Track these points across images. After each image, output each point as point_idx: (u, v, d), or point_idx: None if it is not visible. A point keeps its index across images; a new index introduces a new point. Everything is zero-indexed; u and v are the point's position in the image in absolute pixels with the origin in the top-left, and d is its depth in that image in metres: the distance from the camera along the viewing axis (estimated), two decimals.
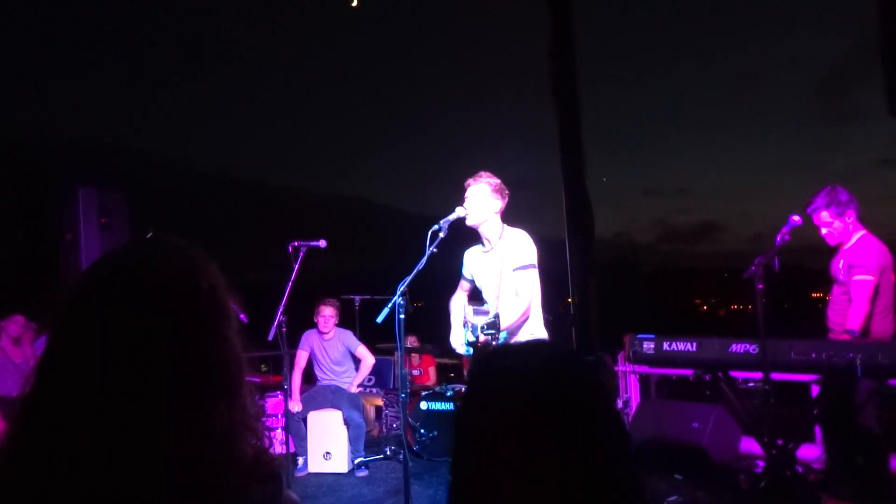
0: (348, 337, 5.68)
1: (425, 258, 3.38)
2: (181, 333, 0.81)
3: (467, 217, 3.62)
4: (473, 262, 3.87)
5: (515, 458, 0.80)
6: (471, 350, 3.56)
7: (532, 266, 3.57)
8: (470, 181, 3.68)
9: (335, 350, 5.62)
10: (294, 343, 5.52)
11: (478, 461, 0.82)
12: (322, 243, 4.21)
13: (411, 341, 6.89)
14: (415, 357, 7.10)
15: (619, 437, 0.83)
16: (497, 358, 0.91)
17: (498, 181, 3.67)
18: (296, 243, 4.16)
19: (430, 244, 3.39)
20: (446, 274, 4.07)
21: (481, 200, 3.64)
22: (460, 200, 3.69)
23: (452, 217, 3.55)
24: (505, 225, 3.72)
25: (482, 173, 3.68)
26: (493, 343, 3.19)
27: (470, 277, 3.93)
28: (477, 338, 3.34)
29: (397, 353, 4.90)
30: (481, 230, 3.71)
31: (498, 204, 3.66)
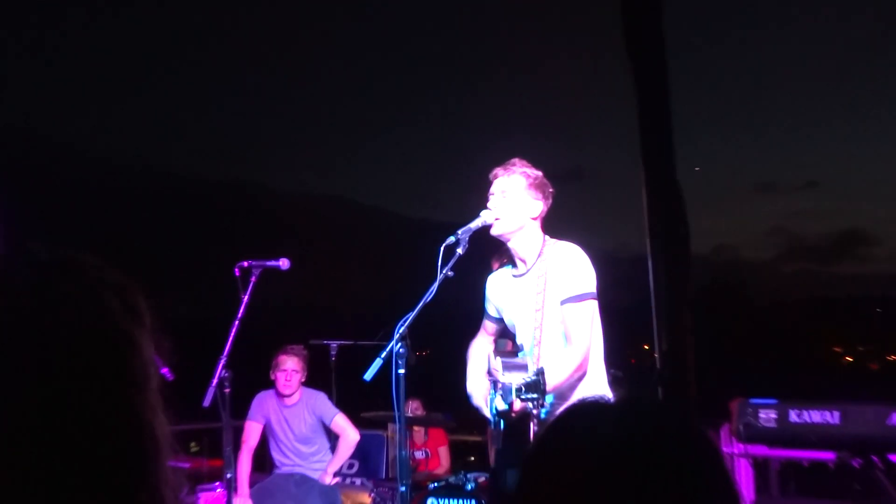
0: (320, 402, 5.66)
1: (435, 286, 3.39)
2: (72, 399, 0.81)
3: (493, 224, 3.62)
4: (501, 291, 3.87)
5: None
6: (503, 423, 3.51)
7: (590, 296, 3.56)
8: (498, 171, 3.69)
9: (301, 421, 5.60)
10: (241, 411, 5.48)
11: None
12: (283, 263, 4.17)
13: (414, 408, 6.83)
14: (418, 432, 7.05)
15: None
16: (576, 421, 0.94)
17: (538, 173, 3.68)
18: (245, 263, 4.13)
19: (443, 265, 3.41)
20: (466, 309, 4.11)
21: (514, 199, 3.64)
22: (484, 201, 3.67)
23: (476, 224, 3.57)
24: (547, 237, 3.71)
25: (515, 161, 3.69)
26: (536, 412, 3.10)
27: (497, 315, 3.93)
28: (510, 405, 3.29)
29: (394, 426, 4.82)
30: (513, 244, 3.72)
31: (537, 206, 3.67)
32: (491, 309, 3.95)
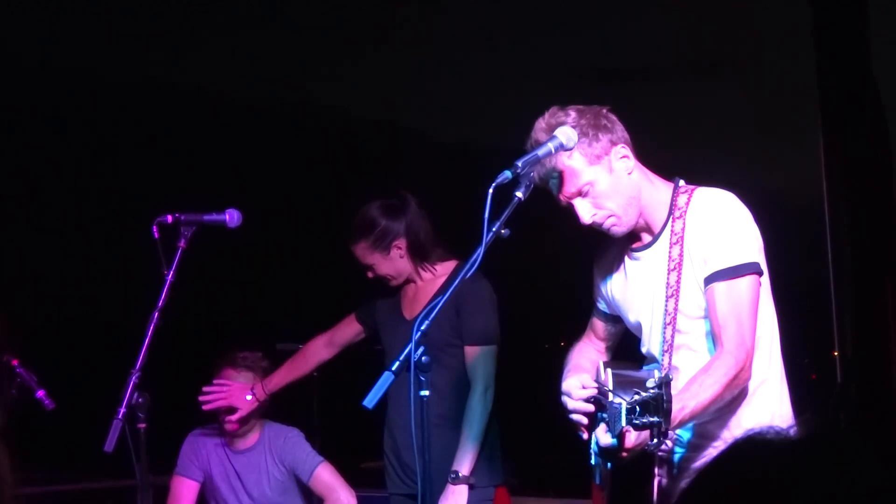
0: (292, 445, 4.89)
1: (481, 252, 2.92)
2: None
3: (611, 229, 3.13)
4: (615, 273, 3.40)
5: None
6: (608, 464, 3.17)
7: (751, 268, 3.04)
8: (543, 160, 3.04)
9: (262, 476, 4.86)
10: (165, 462, 4.86)
11: None
12: (231, 217, 3.77)
13: None
14: None
15: None
16: (738, 469, 0.88)
17: (581, 122, 3.08)
18: (169, 218, 3.68)
19: (494, 219, 2.92)
20: (543, 297, 3.88)
21: (604, 187, 3.11)
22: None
23: (546, 150, 2.98)
24: (682, 182, 3.21)
25: (556, 121, 3.06)
26: (656, 444, 2.67)
27: (609, 311, 3.46)
28: (620, 436, 2.84)
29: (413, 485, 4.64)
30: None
31: (621, 161, 3.15)
32: (602, 300, 3.46)
